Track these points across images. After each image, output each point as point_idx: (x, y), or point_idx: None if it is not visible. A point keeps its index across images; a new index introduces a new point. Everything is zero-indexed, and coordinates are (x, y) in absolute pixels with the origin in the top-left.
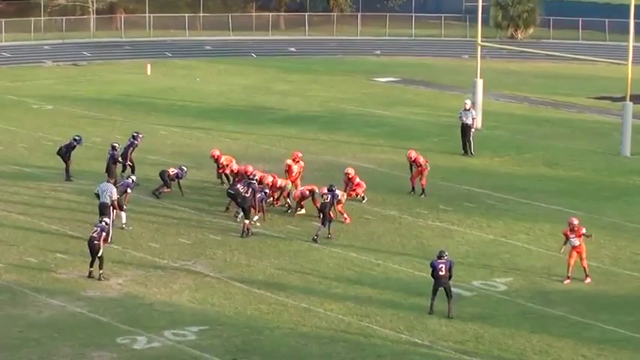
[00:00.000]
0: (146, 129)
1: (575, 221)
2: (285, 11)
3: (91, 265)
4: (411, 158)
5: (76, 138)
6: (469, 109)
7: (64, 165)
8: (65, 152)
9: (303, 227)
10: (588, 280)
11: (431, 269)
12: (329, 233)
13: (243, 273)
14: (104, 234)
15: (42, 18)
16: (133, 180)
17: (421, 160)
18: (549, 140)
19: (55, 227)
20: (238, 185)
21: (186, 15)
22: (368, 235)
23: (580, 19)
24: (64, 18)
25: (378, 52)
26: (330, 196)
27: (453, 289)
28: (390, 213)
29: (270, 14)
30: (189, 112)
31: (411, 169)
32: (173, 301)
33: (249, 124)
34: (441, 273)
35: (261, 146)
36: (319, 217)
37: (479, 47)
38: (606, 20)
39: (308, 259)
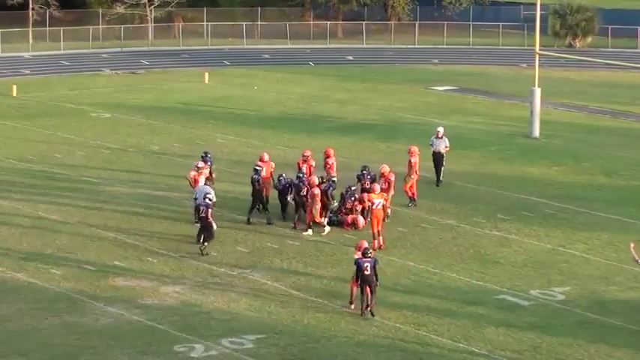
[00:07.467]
0: (204, 137)
1: (365, 244)
2: (342, 20)
3: (202, 242)
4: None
5: (203, 155)
6: (442, 137)
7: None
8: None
9: (360, 236)
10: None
11: (355, 267)
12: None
13: (300, 281)
14: (210, 210)
15: (100, 26)
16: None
17: (413, 159)
18: (608, 149)
19: (113, 235)
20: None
21: (244, 24)
22: (425, 243)
23: (638, 27)
24: (122, 26)
25: (436, 60)
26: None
27: (511, 298)
28: (448, 222)
29: (328, 23)
30: (246, 121)
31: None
32: (230, 309)
33: (307, 133)
34: (366, 272)
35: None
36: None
37: (537, 56)
38: None
39: None
